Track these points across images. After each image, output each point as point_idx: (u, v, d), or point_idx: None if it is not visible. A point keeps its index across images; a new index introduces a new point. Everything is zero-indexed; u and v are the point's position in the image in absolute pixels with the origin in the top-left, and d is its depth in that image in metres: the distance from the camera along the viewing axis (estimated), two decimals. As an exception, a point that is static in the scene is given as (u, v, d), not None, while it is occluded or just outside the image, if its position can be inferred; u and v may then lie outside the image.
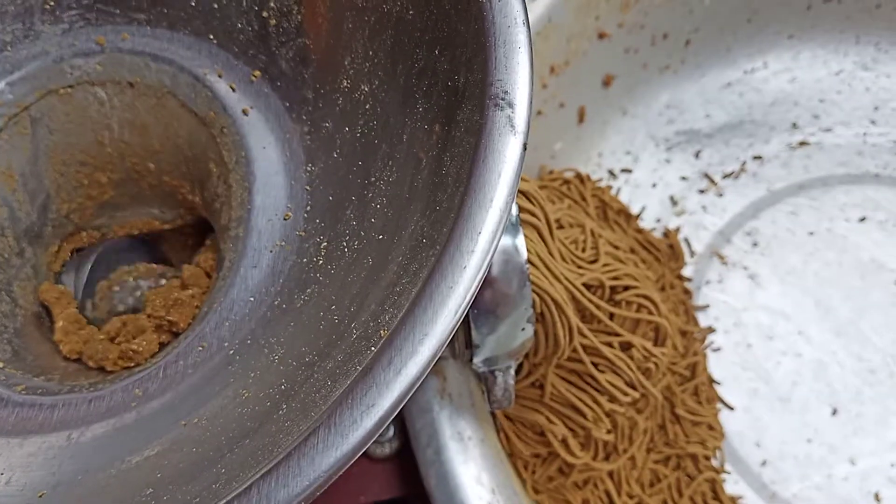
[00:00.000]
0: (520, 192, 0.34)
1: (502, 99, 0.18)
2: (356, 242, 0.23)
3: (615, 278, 0.39)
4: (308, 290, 0.23)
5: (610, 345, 0.38)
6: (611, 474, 0.41)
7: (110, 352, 0.26)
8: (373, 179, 0.24)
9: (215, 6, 0.28)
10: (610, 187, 0.55)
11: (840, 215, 0.54)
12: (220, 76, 0.28)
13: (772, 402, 0.49)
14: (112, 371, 0.26)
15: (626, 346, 0.39)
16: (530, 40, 0.19)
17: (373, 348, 0.17)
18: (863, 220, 0.54)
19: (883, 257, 0.53)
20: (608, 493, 0.41)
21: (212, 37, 0.28)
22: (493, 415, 0.39)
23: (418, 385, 0.16)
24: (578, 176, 0.51)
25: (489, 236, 0.17)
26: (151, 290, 0.28)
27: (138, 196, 0.32)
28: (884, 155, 0.56)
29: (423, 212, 0.20)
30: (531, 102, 0.18)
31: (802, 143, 0.57)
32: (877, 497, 0.47)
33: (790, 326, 0.51)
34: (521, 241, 0.30)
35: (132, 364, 0.26)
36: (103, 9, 0.29)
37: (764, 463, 0.48)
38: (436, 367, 0.36)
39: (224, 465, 0.18)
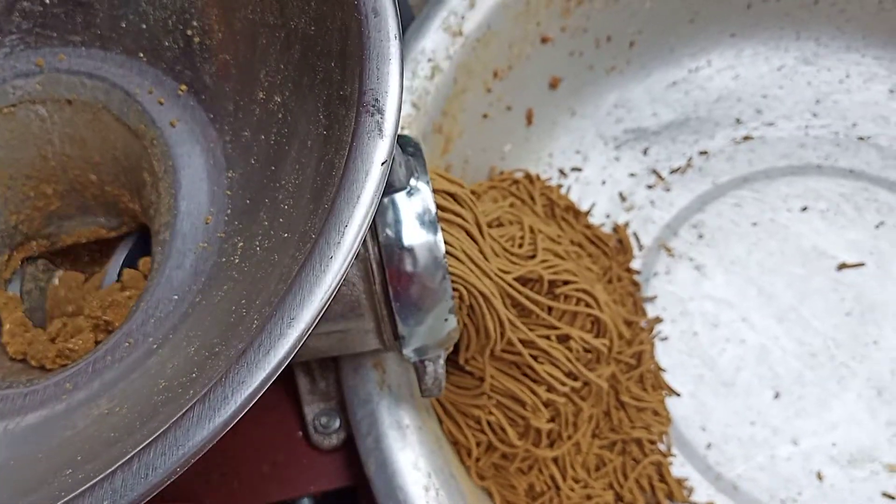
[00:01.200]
0: (448, 194, 0.36)
1: (373, 106, 0.20)
2: (267, 241, 0.25)
3: (554, 273, 0.41)
4: (225, 287, 0.25)
5: (548, 337, 0.40)
6: (555, 460, 0.43)
7: (50, 351, 0.28)
8: (283, 182, 0.26)
9: (144, 26, 0.30)
10: (560, 186, 0.57)
11: (783, 206, 0.56)
12: (150, 92, 0.30)
13: (716, 388, 0.51)
14: (51, 369, 0.28)
15: (565, 338, 0.41)
16: (402, 53, 0.21)
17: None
18: (804, 209, 0.56)
19: (823, 245, 0.55)
20: (553, 478, 0.43)
21: (141, 55, 0.30)
22: (435, 405, 0.41)
23: (288, 361, 0.18)
24: (528, 176, 0.53)
25: (355, 230, 0.19)
26: (93, 292, 0.30)
27: (83, 206, 0.34)
28: (825, 146, 0.58)
29: (314, 210, 0.22)
30: (399, 109, 0.20)
31: (746, 138, 0.59)
32: (819, 476, 0.48)
33: (734, 314, 0.53)
34: (439, 238, 0.32)
35: (69, 361, 0.28)
36: (41, 32, 0.31)
37: (709, 446, 0.49)
38: (375, 361, 0.38)
39: (130, 444, 0.20)
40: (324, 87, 0.25)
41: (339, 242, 0.18)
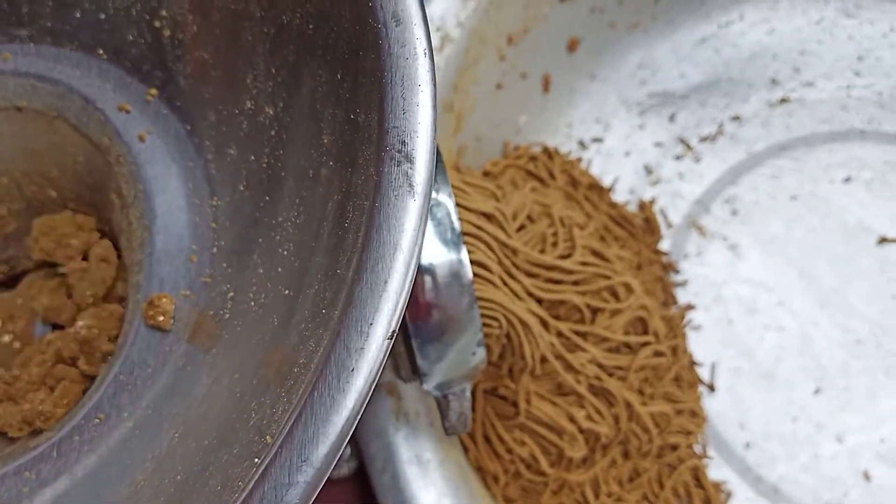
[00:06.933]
0: (481, 213, 0.31)
1: (399, 151, 0.15)
2: (263, 295, 0.20)
3: (607, 287, 0.37)
4: (213, 351, 0.21)
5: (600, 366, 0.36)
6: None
7: (13, 416, 0.23)
8: (280, 219, 0.21)
9: (102, 17, 0.25)
10: (580, 159, 0.52)
11: (824, 177, 0.51)
12: (120, 106, 0.25)
13: (755, 381, 0.47)
14: (15, 438, 0.23)
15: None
16: (434, 76, 0.15)
17: (256, 459, 0.14)
18: (847, 180, 0.51)
19: (869, 219, 0.50)
20: (584, 495, 0.39)
21: (101, 51, 0.25)
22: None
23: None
24: (546, 151, 0.48)
25: (383, 329, 0.14)
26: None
27: (45, 225, 0.29)
28: (869, 109, 0.53)
29: (325, 271, 0.17)
30: (433, 155, 0.15)
31: (783, 100, 0.53)
32: (866, 475, 0.45)
33: (773, 299, 0.48)
34: (464, 256, 0.27)
35: (38, 427, 0.23)
36: (-22, 25, 0.26)
37: (748, 445, 0.46)
38: (390, 386, 0.34)
39: None
40: (327, 104, 0.19)
41: (361, 348, 0.14)
